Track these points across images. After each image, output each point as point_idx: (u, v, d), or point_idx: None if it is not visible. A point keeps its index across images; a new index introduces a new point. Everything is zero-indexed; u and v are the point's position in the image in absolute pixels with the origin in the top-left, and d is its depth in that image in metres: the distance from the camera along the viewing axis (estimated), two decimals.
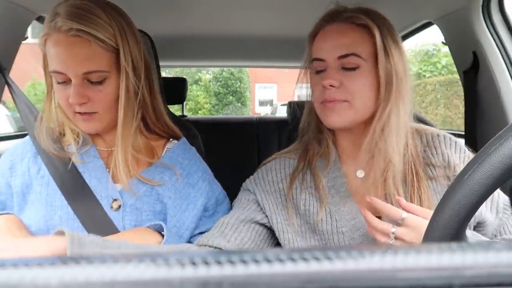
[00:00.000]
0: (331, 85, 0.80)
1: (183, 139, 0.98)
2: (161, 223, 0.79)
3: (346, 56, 0.80)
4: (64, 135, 0.88)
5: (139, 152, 0.89)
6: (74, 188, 0.84)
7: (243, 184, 0.95)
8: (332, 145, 0.89)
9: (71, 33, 0.75)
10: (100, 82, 0.79)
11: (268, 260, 0.20)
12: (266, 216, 0.88)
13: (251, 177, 0.95)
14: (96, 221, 0.82)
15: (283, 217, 0.87)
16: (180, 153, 0.93)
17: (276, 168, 0.92)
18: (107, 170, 0.87)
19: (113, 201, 0.84)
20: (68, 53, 0.76)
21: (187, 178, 0.90)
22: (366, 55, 0.80)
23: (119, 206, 0.84)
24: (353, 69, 0.80)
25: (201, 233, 0.91)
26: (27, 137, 0.92)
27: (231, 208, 0.95)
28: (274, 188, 0.90)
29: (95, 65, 0.77)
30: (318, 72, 0.85)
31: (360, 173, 0.88)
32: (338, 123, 0.83)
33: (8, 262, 0.20)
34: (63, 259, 0.20)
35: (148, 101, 0.87)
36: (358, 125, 0.85)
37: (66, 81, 0.79)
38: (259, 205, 0.89)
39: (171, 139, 0.96)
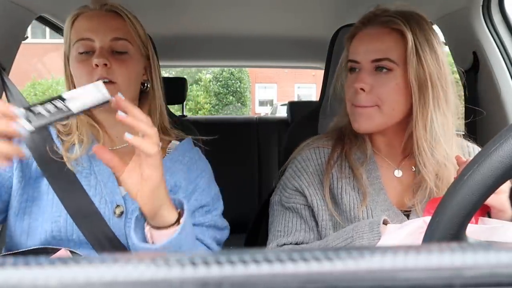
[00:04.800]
0: (361, 89, 0.83)
1: (189, 138, 0.99)
2: (182, 200, 0.77)
3: (379, 60, 0.83)
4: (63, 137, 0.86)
5: None
6: (71, 194, 0.81)
7: (283, 182, 0.96)
8: (368, 141, 0.92)
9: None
10: (123, 53, 0.85)
11: (268, 260, 0.20)
12: (312, 210, 0.90)
13: (290, 171, 0.95)
14: (98, 231, 0.80)
15: (323, 205, 0.89)
16: (181, 152, 0.94)
17: (314, 158, 0.94)
18: (112, 172, 0.84)
19: (116, 207, 0.82)
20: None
21: (187, 173, 0.91)
22: (399, 59, 0.82)
23: (121, 213, 0.82)
24: (385, 72, 0.83)
25: (194, 225, 0.89)
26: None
27: (223, 206, 0.97)
28: (317, 179, 0.91)
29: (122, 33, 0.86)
30: (351, 71, 0.89)
31: (398, 173, 0.91)
32: (365, 128, 0.86)
33: (8, 262, 0.20)
34: (63, 259, 0.20)
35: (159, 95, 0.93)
36: (390, 128, 0.87)
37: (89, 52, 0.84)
38: (307, 201, 0.90)
39: (172, 140, 0.96)
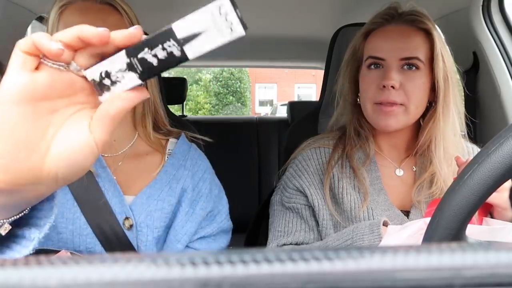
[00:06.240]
0: (392, 86, 0.81)
1: (182, 136, 0.94)
2: None
3: (410, 58, 0.82)
4: None
5: (153, 153, 0.86)
6: (90, 199, 0.76)
7: (283, 182, 0.95)
8: (372, 140, 0.91)
9: None
10: None
11: (268, 260, 0.20)
12: (313, 210, 0.90)
13: (290, 171, 0.95)
14: (114, 238, 0.77)
15: (324, 204, 0.89)
16: (182, 156, 0.90)
17: (314, 158, 0.93)
18: (116, 181, 0.81)
19: (125, 219, 0.79)
20: None
21: (192, 179, 0.88)
22: (425, 58, 0.83)
23: (131, 226, 0.79)
24: (413, 70, 0.83)
25: (202, 237, 0.88)
26: None
27: (228, 205, 0.95)
28: (318, 179, 0.91)
29: None
30: (371, 68, 0.86)
31: (399, 172, 0.91)
32: (392, 127, 0.84)
33: (8, 262, 0.20)
34: (63, 259, 0.20)
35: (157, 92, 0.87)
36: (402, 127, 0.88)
37: None
38: (307, 201, 0.90)
39: (169, 139, 0.92)
